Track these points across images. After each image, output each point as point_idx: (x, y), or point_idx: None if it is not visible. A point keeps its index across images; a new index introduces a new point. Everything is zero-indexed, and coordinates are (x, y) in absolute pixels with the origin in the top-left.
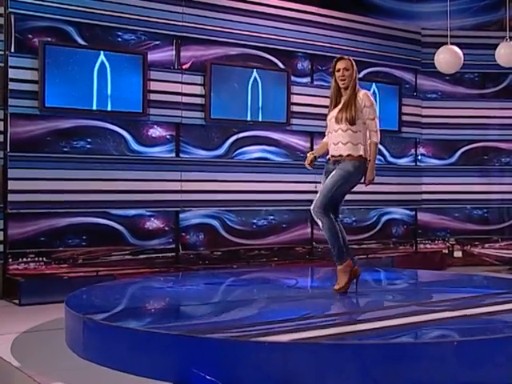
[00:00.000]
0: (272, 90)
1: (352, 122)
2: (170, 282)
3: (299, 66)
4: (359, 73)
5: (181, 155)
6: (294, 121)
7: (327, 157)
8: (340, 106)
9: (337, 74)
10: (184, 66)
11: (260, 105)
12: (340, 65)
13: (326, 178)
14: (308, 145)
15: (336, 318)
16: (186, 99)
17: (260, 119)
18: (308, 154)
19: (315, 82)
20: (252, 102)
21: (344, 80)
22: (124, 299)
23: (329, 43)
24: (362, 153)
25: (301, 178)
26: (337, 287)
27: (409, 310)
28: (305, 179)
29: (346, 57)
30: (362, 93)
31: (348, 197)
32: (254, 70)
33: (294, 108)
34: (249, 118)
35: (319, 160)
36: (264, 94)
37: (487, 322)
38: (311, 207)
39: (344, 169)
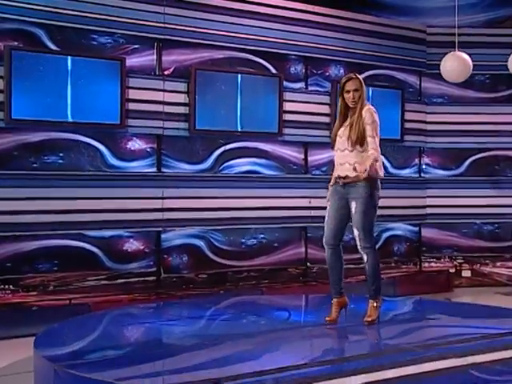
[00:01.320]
0: (262, 97)
1: (357, 142)
2: (150, 315)
3: (292, 70)
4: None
5: (163, 170)
6: (286, 130)
7: (334, 177)
8: (347, 124)
9: (346, 95)
10: (166, 72)
11: (249, 113)
12: (350, 86)
13: (337, 201)
14: (302, 156)
15: (328, 364)
16: (168, 108)
17: (249, 129)
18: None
19: (310, 88)
20: (241, 110)
21: (354, 101)
22: (100, 339)
23: (324, 44)
24: (372, 173)
25: (294, 192)
26: (369, 319)
27: (408, 358)
28: (298, 194)
29: (354, 76)
30: (364, 109)
31: None
32: (243, 75)
33: (287, 116)
34: (237, 128)
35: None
36: (254, 101)
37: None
38: (358, 247)
39: (361, 200)
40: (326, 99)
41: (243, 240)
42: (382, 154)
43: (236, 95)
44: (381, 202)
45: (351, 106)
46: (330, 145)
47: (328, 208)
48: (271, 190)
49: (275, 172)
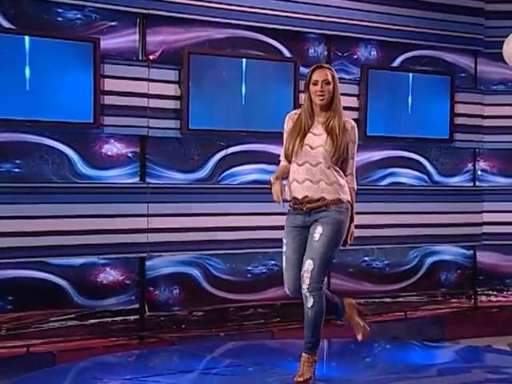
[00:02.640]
0: (274, 88)
1: (338, 161)
2: (132, 367)
3: (311, 52)
4: (393, 60)
5: (148, 180)
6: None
7: (290, 202)
8: (320, 132)
9: (312, 87)
10: (151, 57)
11: (257, 108)
12: (318, 75)
13: (297, 237)
14: None
15: None
16: (154, 103)
17: (257, 128)
18: (273, 181)
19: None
20: (246, 104)
21: (322, 96)
22: None
23: (352, 19)
24: (349, 197)
25: None
26: (301, 379)
27: None
28: None
29: (325, 65)
30: (350, 124)
31: (378, 232)
32: (249, 60)
33: None
34: (242, 128)
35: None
36: (263, 93)
37: None
38: (303, 286)
39: (335, 222)
40: (354, 89)
41: (249, 268)
42: (425, 157)
43: (240, 85)
44: (423, 219)
45: (318, 101)
46: (283, 154)
47: (284, 249)
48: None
49: None
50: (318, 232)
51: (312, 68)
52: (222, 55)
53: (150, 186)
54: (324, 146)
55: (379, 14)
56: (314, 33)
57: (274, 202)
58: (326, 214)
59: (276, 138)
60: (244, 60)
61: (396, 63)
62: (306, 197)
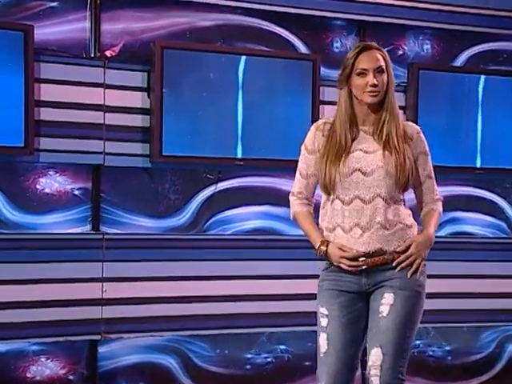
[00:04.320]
0: (284, 97)
1: (402, 187)
2: None
3: (337, 46)
4: (456, 57)
5: (103, 229)
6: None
7: (334, 255)
8: (373, 147)
9: (358, 80)
10: (108, 52)
11: (260, 127)
12: (366, 61)
13: (350, 307)
14: None
15: None
16: (112, 118)
17: (259, 155)
18: (323, 248)
19: None
20: (245, 121)
21: (376, 92)
22: None
23: (395, 0)
24: None
25: None
26: None
27: None
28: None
29: (374, 45)
30: (414, 129)
31: (435, 304)
32: (249, 57)
33: None
34: (238, 154)
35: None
36: (268, 104)
37: None
38: (377, 374)
39: (411, 287)
40: (399, 98)
41: (248, 355)
42: (502, 196)
43: (236, 94)
44: (504, 285)
45: (369, 100)
46: (321, 186)
47: (323, 323)
48: (299, 264)
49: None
50: (386, 303)
51: (355, 50)
52: (210, 51)
53: (107, 237)
54: (386, 168)
55: None
56: (340, 18)
57: (346, 271)
58: (394, 273)
59: (287, 168)
60: (242, 58)
61: (459, 61)
62: (358, 252)
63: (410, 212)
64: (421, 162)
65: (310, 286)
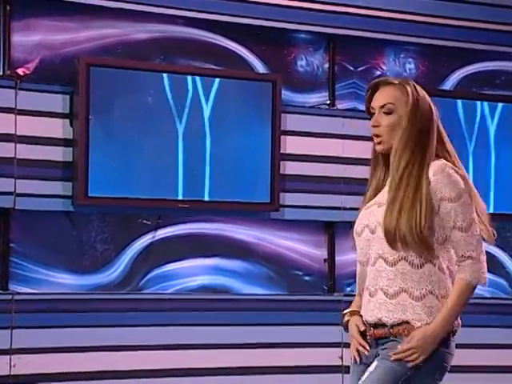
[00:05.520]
0: (237, 125)
1: (427, 243)
2: None
3: (301, 64)
4: (445, 79)
5: (12, 287)
6: (289, 198)
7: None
8: (383, 201)
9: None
10: (21, 70)
11: (208, 162)
12: (376, 98)
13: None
14: (324, 254)
15: None
16: (25, 151)
17: (208, 197)
18: (346, 318)
19: (342, 103)
20: (188, 154)
21: (377, 137)
22: None
23: (371, 9)
24: (431, 317)
25: (313, 335)
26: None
27: None
28: (324, 338)
29: (393, 79)
30: (433, 167)
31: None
32: (195, 77)
33: (290, 167)
34: (180, 195)
35: None
36: (218, 133)
37: None
38: None
39: (392, 366)
40: None
41: None
42: (504, 250)
43: (178, 121)
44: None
45: (377, 148)
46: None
47: None
48: (256, 331)
49: (266, 290)
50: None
51: (369, 85)
52: (147, 69)
53: (17, 298)
54: (381, 223)
55: (423, 2)
56: (305, 31)
57: None
58: (392, 344)
59: (241, 211)
60: (186, 78)
61: (449, 84)
62: (380, 322)
63: (440, 273)
64: (444, 210)
65: (269, 357)
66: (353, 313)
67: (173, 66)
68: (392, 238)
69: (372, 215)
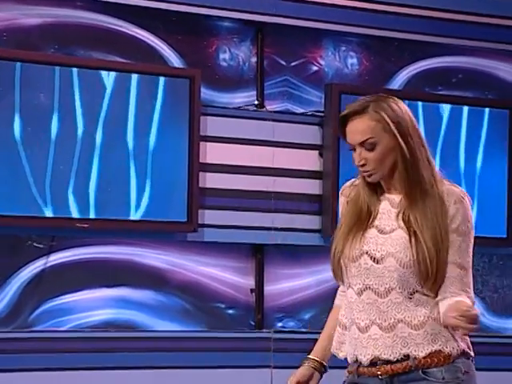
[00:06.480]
0: (148, 128)
1: (426, 279)
2: None
3: (224, 58)
4: (392, 76)
5: None
6: (208, 216)
7: (351, 364)
8: (391, 224)
9: (353, 154)
10: None
11: (109, 171)
12: (349, 135)
13: None
14: (250, 283)
15: None
16: None
17: (111, 215)
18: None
19: (271, 104)
20: (84, 163)
21: (366, 172)
22: None
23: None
24: (463, 344)
25: (242, 378)
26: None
27: None
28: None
29: (360, 107)
30: (452, 193)
31: None
32: (94, 72)
33: (211, 179)
34: (74, 213)
35: None
36: (124, 138)
37: None
38: None
39: None
40: (313, 134)
41: None
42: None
43: (75, 121)
44: None
45: (369, 180)
46: (333, 272)
47: None
48: (170, 374)
49: (182, 326)
50: None
51: (341, 118)
52: (38, 61)
53: None
54: (399, 256)
55: None
56: (229, 18)
57: None
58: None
59: (153, 233)
60: (84, 72)
61: (397, 82)
62: (376, 358)
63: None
64: (454, 243)
65: None
66: (309, 360)
67: (68, 58)
68: (434, 275)
69: (374, 243)
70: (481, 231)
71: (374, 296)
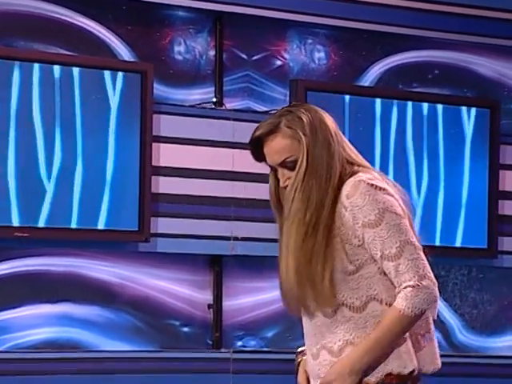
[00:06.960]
0: (96, 129)
1: (333, 294)
2: None
3: (179, 51)
4: (363, 72)
5: None
6: (161, 224)
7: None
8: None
9: (277, 173)
10: None
11: (55, 177)
12: (267, 156)
13: None
14: (208, 299)
15: None
16: None
17: (54, 224)
18: (298, 359)
19: (231, 102)
20: (24, 167)
21: (291, 188)
22: None
23: None
24: (391, 366)
25: None
26: None
27: None
28: None
29: (271, 126)
30: (345, 187)
31: None
32: (38, 65)
33: (165, 183)
34: (15, 221)
35: None
36: (68, 139)
37: None
38: None
39: None
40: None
41: None
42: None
43: (8, 121)
44: None
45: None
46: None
47: None
48: None
49: (133, 345)
50: None
51: (253, 140)
52: None
53: None
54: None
55: None
56: (185, 8)
57: None
58: None
59: (101, 243)
60: (26, 66)
61: (369, 78)
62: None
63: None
64: (367, 239)
65: None
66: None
67: (7, 50)
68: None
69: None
70: (459, 241)
71: (307, 318)
